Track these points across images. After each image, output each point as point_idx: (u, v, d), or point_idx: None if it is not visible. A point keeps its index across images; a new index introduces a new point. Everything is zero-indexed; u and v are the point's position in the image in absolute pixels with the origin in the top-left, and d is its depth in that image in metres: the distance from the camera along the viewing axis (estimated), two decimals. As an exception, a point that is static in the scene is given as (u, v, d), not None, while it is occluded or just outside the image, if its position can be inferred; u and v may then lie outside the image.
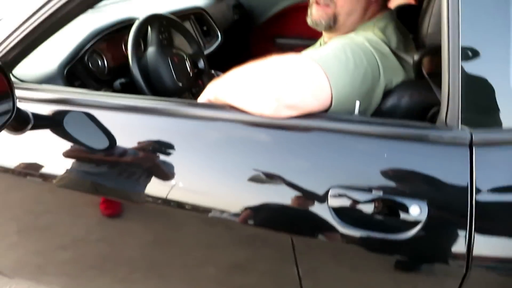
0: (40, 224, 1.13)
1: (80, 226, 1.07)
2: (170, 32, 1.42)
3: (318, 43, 1.22)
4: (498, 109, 0.67)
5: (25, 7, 0.97)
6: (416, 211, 0.67)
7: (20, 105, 0.90)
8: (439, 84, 0.70)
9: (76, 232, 1.09)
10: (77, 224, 1.07)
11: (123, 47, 1.37)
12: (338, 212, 0.71)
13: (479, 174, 0.65)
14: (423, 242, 0.68)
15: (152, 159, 0.87)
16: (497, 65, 0.67)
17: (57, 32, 1.01)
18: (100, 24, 1.34)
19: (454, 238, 0.67)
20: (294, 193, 0.75)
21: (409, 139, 0.71)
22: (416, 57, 0.86)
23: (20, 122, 0.90)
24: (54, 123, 0.95)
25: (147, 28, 1.32)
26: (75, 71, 1.22)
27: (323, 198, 0.71)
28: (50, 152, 0.98)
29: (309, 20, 1.09)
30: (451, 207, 0.67)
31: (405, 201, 0.68)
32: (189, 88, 1.41)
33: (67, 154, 0.95)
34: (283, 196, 0.76)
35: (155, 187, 0.87)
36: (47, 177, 0.98)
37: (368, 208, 0.70)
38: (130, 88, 1.25)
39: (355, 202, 0.70)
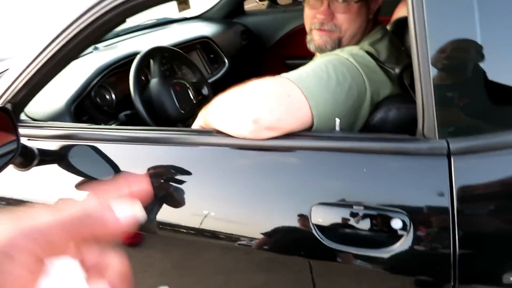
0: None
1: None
2: (172, 63, 1.48)
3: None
4: (473, 117, 0.66)
5: (30, 49, 1.04)
6: (399, 224, 0.66)
7: (28, 142, 0.97)
8: None
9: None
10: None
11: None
12: (322, 229, 0.72)
13: (458, 183, 0.64)
14: (407, 255, 0.67)
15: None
16: (468, 73, 0.67)
17: (61, 71, 1.08)
18: (106, 60, 1.41)
19: (438, 248, 0.65)
20: (281, 214, 0.76)
21: (389, 152, 0.71)
22: (397, 69, 0.86)
23: (28, 159, 0.96)
24: (59, 157, 1.01)
25: (149, 60, 1.38)
26: (83, 106, 1.29)
27: (305, 217, 0.72)
28: (57, 187, 1.03)
29: (311, 46, 1.10)
30: (433, 217, 0.66)
31: (387, 214, 0.68)
32: (193, 115, 1.46)
33: (76, 187, 1.00)
34: (273, 218, 0.77)
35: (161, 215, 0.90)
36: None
37: (351, 224, 0.70)
38: (135, 119, 1.31)
39: (337, 218, 0.70)
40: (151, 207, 0.92)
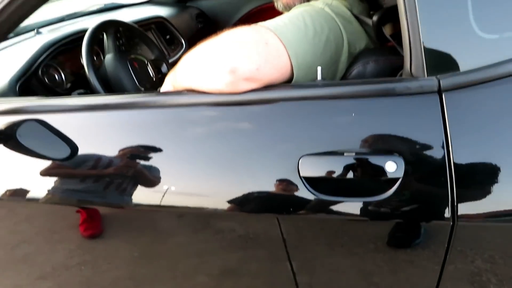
0: (16, 256, 1.05)
1: (59, 252, 1.00)
2: (128, 38, 1.37)
3: None
4: (462, 52, 0.64)
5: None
6: (392, 167, 0.63)
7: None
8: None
9: (56, 259, 1.01)
10: (56, 250, 1.00)
11: (81, 58, 1.32)
12: (312, 182, 0.67)
13: (452, 119, 0.61)
14: (404, 199, 0.64)
15: (115, 159, 0.81)
16: (456, 7, 0.64)
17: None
18: (52, 37, 1.29)
19: (435, 187, 0.63)
20: (266, 170, 0.70)
21: (376, 95, 0.67)
22: (374, 18, 0.83)
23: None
24: (6, 137, 0.88)
25: (102, 35, 1.27)
26: (30, 86, 1.16)
27: (293, 169, 0.67)
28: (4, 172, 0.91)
29: (278, 5, 1.07)
30: (428, 156, 0.63)
31: (380, 159, 0.64)
32: (154, 93, 1.36)
33: (33, 169, 0.88)
34: (257, 177, 0.71)
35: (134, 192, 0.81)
36: (20, 201, 0.90)
37: (342, 173, 0.65)
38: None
39: (328, 169, 0.66)
40: (117, 186, 0.83)
